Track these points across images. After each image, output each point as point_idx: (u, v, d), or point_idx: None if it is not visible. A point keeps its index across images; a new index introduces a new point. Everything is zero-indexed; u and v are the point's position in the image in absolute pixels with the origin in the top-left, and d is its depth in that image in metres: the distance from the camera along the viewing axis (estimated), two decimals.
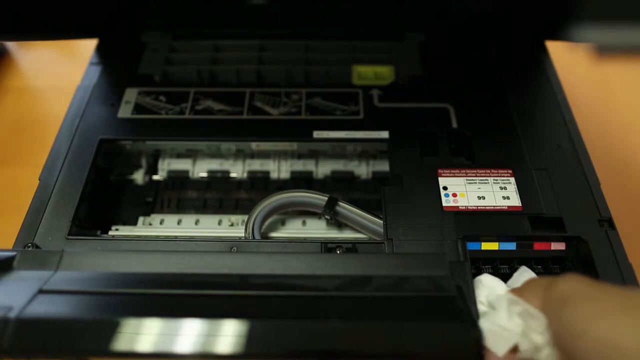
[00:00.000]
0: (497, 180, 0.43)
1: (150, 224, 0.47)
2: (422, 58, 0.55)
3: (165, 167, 0.52)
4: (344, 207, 0.44)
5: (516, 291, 0.30)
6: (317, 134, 0.48)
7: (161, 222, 0.47)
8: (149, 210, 0.51)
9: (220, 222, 0.47)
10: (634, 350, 0.23)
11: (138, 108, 0.51)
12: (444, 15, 0.59)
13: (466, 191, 0.43)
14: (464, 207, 0.41)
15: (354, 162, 0.51)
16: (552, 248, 0.40)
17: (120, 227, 0.46)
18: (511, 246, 0.40)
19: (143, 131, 0.49)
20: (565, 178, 0.44)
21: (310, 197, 0.44)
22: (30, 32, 0.56)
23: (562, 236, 0.40)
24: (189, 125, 0.50)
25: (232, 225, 0.47)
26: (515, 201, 0.42)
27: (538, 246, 0.40)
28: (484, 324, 0.29)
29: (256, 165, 0.52)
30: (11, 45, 0.77)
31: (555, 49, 0.56)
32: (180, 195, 0.52)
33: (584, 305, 0.25)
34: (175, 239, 0.43)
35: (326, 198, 0.44)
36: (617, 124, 0.64)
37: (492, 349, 0.28)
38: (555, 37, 0.56)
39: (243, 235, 0.43)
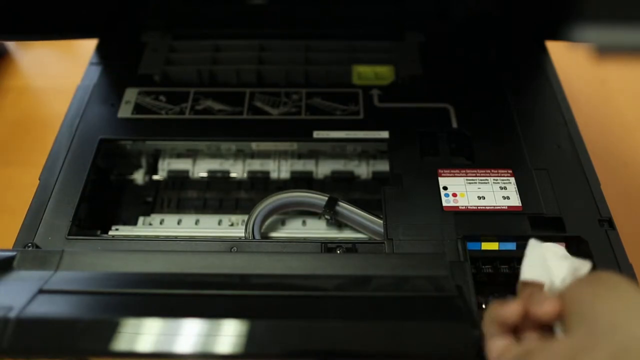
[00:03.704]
0: (497, 180, 0.43)
1: (150, 224, 0.47)
2: (422, 58, 0.55)
3: (165, 167, 0.52)
4: (344, 207, 0.44)
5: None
6: (317, 134, 0.48)
7: (161, 222, 0.47)
8: (149, 210, 0.51)
9: (220, 222, 0.47)
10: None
11: (138, 108, 0.51)
12: (444, 15, 0.59)
13: (466, 191, 0.43)
14: (464, 207, 0.41)
15: (354, 162, 0.51)
16: None
17: (120, 227, 0.46)
18: (511, 246, 0.40)
19: (143, 131, 0.49)
20: (565, 178, 0.43)
21: (310, 197, 0.44)
22: (30, 32, 0.56)
23: (562, 236, 0.40)
24: (189, 125, 0.50)
25: (232, 225, 0.47)
26: (515, 201, 0.42)
27: None
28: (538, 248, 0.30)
29: (256, 165, 0.52)
30: (11, 45, 0.77)
31: (555, 49, 0.56)
32: (180, 195, 0.52)
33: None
34: (175, 239, 0.43)
35: (326, 198, 0.44)
36: (617, 124, 0.64)
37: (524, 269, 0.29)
38: (555, 37, 0.56)
39: (243, 235, 0.43)
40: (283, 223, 0.47)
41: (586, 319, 0.25)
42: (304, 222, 0.47)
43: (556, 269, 0.29)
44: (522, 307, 0.28)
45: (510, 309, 0.28)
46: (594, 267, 0.37)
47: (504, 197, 0.42)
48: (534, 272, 0.29)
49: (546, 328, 0.27)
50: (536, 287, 0.29)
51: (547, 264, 0.29)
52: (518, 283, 0.30)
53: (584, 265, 0.29)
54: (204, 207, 0.52)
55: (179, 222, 0.47)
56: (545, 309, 0.27)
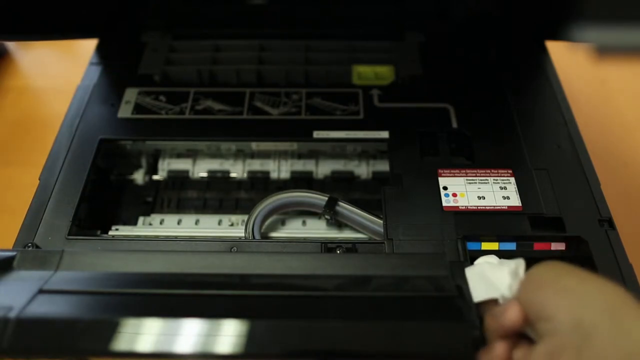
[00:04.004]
0: (497, 180, 0.43)
1: (150, 224, 0.47)
2: (422, 58, 0.55)
3: (165, 167, 0.52)
4: (344, 207, 0.44)
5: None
6: (317, 134, 0.48)
7: (161, 222, 0.47)
8: (149, 210, 0.51)
9: (220, 222, 0.47)
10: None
11: (138, 108, 0.51)
12: (444, 15, 0.59)
13: (466, 191, 0.43)
14: (464, 207, 0.41)
15: (354, 162, 0.51)
16: (552, 248, 0.40)
17: (120, 227, 0.46)
18: (511, 246, 0.40)
19: (143, 131, 0.49)
20: (565, 178, 0.44)
21: (310, 197, 0.44)
22: (30, 32, 0.56)
23: (562, 236, 0.40)
24: (189, 125, 0.50)
25: (232, 225, 0.47)
26: (515, 201, 0.42)
27: (538, 246, 0.40)
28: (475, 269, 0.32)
29: (256, 165, 0.52)
30: (11, 45, 0.77)
31: (555, 49, 0.56)
32: (180, 195, 0.52)
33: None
34: (175, 239, 0.43)
35: (326, 198, 0.44)
36: (617, 124, 0.64)
37: (473, 294, 0.31)
38: (555, 37, 0.56)
39: (243, 235, 0.43)
40: (283, 223, 0.47)
41: (548, 322, 0.26)
42: (304, 222, 0.47)
43: (499, 279, 0.30)
44: (501, 341, 0.29)
45: (496, 352, 0.29)
46: (595, 268, 0.37)
47: (504, 197, 0.42)
48: (482, 293, 0.31)
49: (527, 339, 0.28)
50: (491, 304, 0.30)
51: (489, 279, 0.31)
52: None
53: (519, 264, 0.31)
54: (204, 207, 0.52)
55: (179, 222, 0.47)
56: (509, 316, 0.28)
